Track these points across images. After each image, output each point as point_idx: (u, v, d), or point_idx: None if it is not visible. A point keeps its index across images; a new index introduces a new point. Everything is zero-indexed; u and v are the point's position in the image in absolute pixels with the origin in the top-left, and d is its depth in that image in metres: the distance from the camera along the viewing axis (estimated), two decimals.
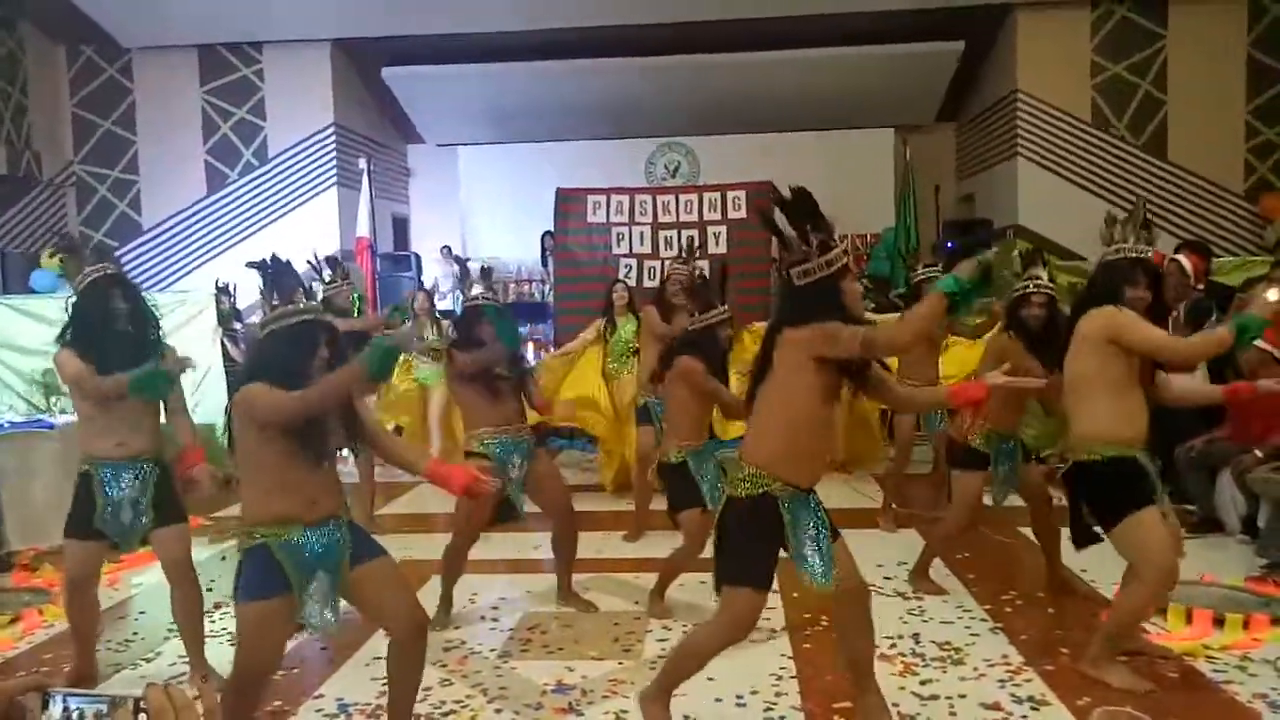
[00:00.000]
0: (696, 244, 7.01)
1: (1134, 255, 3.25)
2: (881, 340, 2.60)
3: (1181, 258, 5.64)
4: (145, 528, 3.38)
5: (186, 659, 3.61)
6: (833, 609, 2.76)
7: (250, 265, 2.75)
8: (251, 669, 2.62)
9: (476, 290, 4.10)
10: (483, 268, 4.33)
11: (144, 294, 3.53)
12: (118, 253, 10.47)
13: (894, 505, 5.64)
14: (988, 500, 4.34)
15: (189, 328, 7.26)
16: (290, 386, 2.52)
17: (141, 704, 0.84)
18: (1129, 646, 3.38)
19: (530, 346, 9.05)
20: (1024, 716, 3.02)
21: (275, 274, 2.68)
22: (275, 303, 2.65)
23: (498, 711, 3.17)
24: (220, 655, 3.54)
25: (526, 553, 5.07)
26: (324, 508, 2.62)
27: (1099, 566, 4.03)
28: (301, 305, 2.65)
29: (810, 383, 2.64)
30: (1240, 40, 9.74)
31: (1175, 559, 3.16)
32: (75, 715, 0.86)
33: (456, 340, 4.21)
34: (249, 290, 8.72)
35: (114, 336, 3.31)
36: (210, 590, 4.67)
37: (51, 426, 5.85)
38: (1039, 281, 4.10)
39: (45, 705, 0.88)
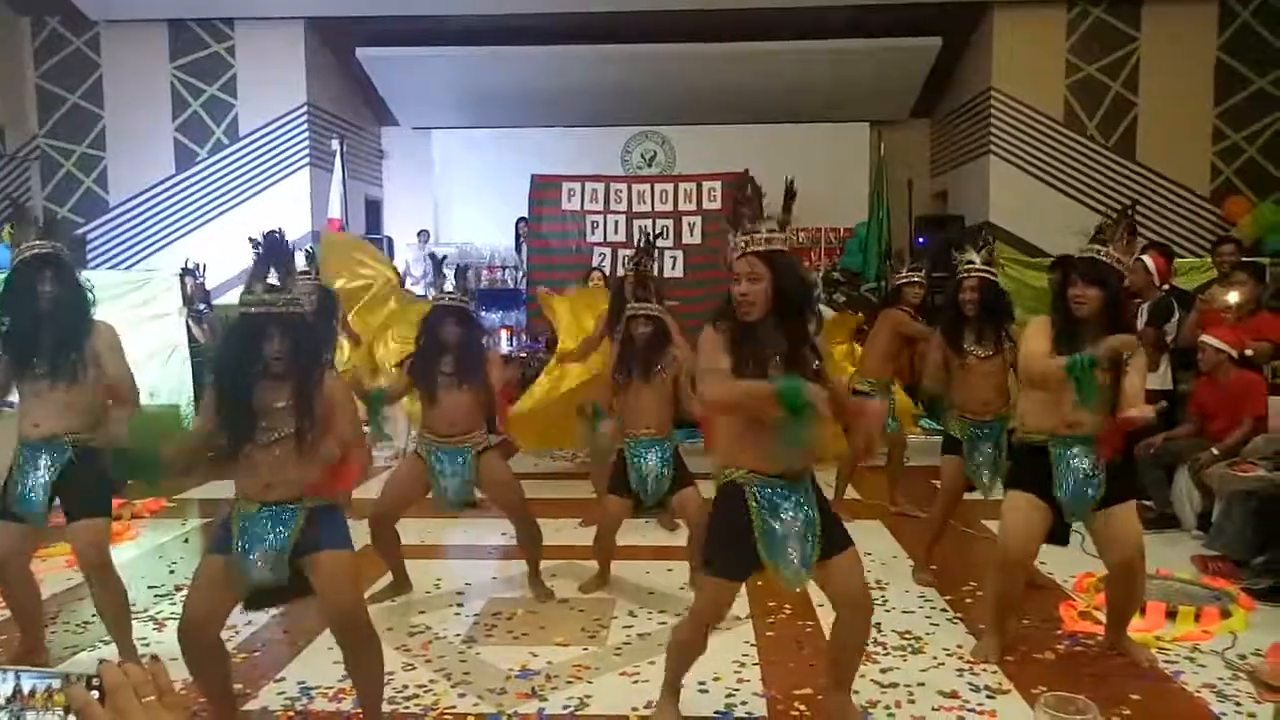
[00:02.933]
0: (654, 236, 6.93)
1: (1078, 255, 3.25)
2: (705, 393, 2.56)
3: (1146, 259, 5.77)
4: (49, 509, 3.25)
5: (146, 641, 3.59)
6: (836, 617, 2.76)
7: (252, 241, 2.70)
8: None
9: (448, 288, 3.98)
10: (459, 266, 4.19)
11: (84, 278, 3.30)
12: (83, 229, 10.31)
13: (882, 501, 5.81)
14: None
15: (152, 307, 7.15)
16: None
17: (94, 681, 0.83)
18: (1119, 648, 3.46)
19: (503, 334, 9.03)
20: (980, 705, 3.07)
21: (270, 249, 2.66)
22: (276, 279, 2.63)
23: (461, 696, 3.17)
24: None
25: (492, 539, 5.07)
26: (276, 492, 2.68)
27: (1055, 558, 4.11)
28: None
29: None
30: (1210, 44, 9.89)
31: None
32: (27, 692, 0.85)
33: (419, 348, 4.03)
34: (218, 270, 8.65)
35: (33, 323, 3.16)
36: (172, 572, 4.66)
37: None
38: (970, 265, 4.16)
39: None
